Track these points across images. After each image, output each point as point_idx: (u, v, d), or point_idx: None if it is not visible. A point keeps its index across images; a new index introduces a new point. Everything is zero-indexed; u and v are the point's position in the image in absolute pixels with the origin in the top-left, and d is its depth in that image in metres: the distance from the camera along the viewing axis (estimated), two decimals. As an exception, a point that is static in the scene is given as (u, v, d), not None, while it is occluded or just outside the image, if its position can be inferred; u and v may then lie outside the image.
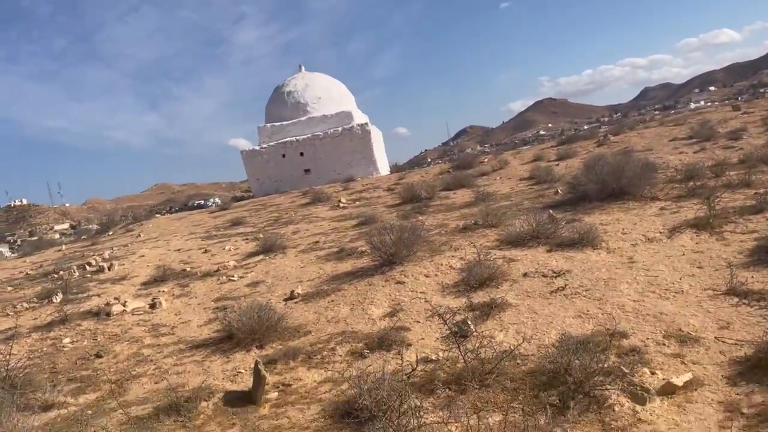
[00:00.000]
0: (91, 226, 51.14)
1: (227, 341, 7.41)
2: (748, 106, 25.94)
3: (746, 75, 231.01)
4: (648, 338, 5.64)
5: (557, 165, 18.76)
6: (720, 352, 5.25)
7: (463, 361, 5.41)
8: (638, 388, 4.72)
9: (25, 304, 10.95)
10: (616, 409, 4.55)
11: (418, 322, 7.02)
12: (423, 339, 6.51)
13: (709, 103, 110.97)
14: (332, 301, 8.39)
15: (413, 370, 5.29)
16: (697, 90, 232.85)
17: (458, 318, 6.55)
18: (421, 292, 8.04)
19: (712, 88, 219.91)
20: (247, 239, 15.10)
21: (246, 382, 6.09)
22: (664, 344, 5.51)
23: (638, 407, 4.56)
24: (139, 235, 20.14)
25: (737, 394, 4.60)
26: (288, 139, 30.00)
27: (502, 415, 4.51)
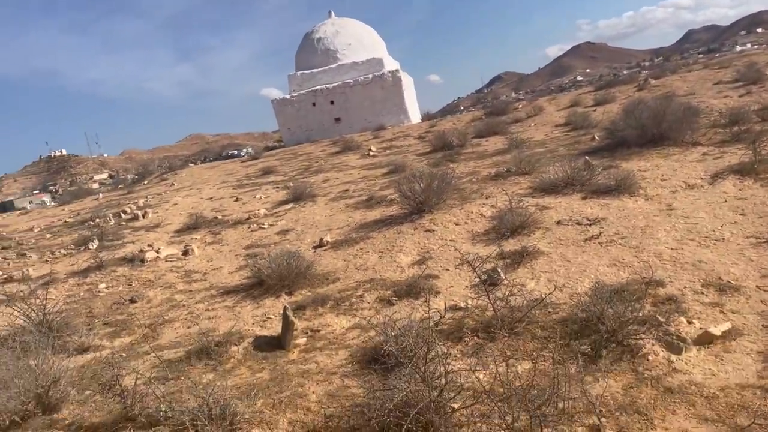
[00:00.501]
0: (127, 176, 52.11)
1: (257, 287, 7.46)
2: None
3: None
4: (686, 287, 5.45)
5: (594, 110, 18.16)
6: (761, 301, 5.04)
7: (492, 309, 5.32)
8: (674, 337, 4.57)
9: (62, 251, 11.21)
10: (650, 358, 4.42)
11: (447, 270, 6.94)
12: (452, 287, 6.43)
13: (756, 46, 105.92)
14: (361, 248, 8.35)
15: (441, 317, 5.22)
16: (743, 32, 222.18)
17: (488, 266, 6.43)
18: (450, 240, 7.92)
19: (759, 30, 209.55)
20: (277, 188, 15.11)
21: (275, 328, 6.13)
22: (702, 293, 5.31)
23: (674, 356, 4.42)
24: (173, 184, 20.38)
25: (779, 344, 4.42)
26: (318, 87, 29.68)
27: (532, 363, 4.43)
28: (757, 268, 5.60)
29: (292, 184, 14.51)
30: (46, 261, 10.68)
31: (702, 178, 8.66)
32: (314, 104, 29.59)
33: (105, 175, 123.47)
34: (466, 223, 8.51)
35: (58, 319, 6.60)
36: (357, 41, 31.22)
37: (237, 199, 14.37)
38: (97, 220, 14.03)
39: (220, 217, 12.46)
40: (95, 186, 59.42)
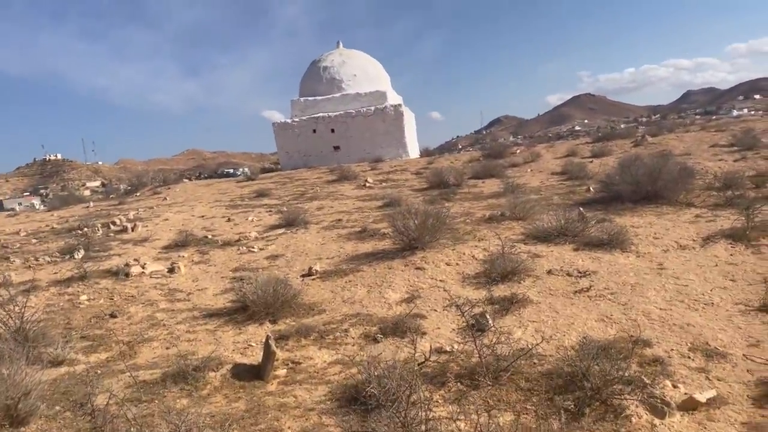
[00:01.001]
0: (120, 186, 51.89)
1: (241, 312, 7.36)
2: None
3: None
4: (673, 349, 5.41)
5: (591, 162, 18.33)
6: (747, 370, 5.00)
7: (478, 355, 5.25)
8: (658, 400, 4.51)
9: (47, 258, 11.06)
10: (633, 420, 4.35)
11: (435, 310, 6.87)
12: (439, 329, 6.36)
13: (752, 112, 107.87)
14: (350, 281, 8.28)
15: (426, 360, 5.15)
16: (741, 97, 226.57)
17: (476, 311, 6.37)
18: (440, 280, 7.88)
19: (757, 97, 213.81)
20: (270, 211, 15.06)
21: (256, 356, 6.02)
22: (689, 357, 5.28)
23: (657, 420, 4.36)
24: (166, 199, 20.29)
25: (762, 416, 4.37)
26: (320, 114, 29.87)
27: (515, 415, 4.35)
28: (745, 336, 5.58)
29: (285, 209, 14.47)
30: (30, 267, 10.52)
31: (694, 240, 8.70)
32: (315, 131, 29.74)
33: (98, 183, 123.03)
34: (457, 264, 8.48)
35: (35, 328, 6.46)
36: (362, 73, 31.55)
37: (229, 220, 14.29)
38: (85, 229, 13.89)
39: (210, 236, 12.37)
40: (87, 193, 59.14)
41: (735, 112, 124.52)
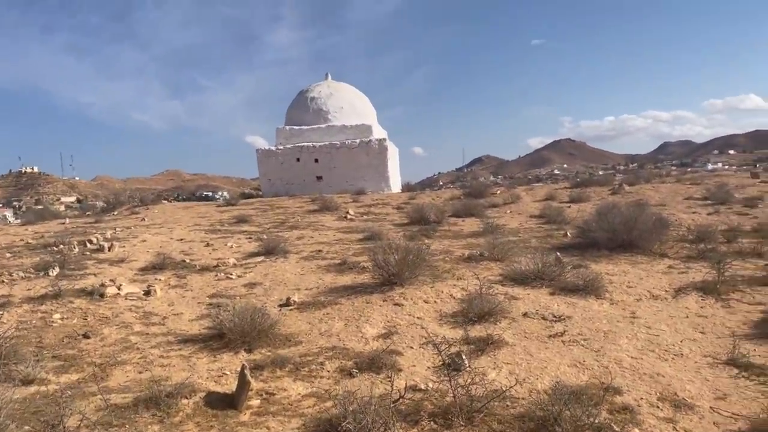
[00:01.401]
0: (97, 203, 51.30)
1: (217, 340, 7.32)
2: (767, 175, 25.80)
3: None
4: (642, 398, 5.52)
5: (569, 207, 18.66)
6: (714, 423, 5.11)
7: (452, 395, 5.30)
8: (627, 449, 4.59)
9: (21, 273, 10.90)
10: (603, 467, 4.42)
11: (412, 347, 6.92)
12: (414, 366, 6.40)
13: (726, 167, 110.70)
14: (327, 313, 8.30)
15: (401, 397, 5.18)
16: (716, 151, 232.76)
17: (453, 350, 6.43)
18: (418, 317, 7.94)
19: (731, 152, 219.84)
20: (250, 238, 15.05)
21: (230, 385, 5.99)
22: (657, 407, 5.38)
23: (625, 469, 4.43)
24: (144, 219, 20.14)
25: (728, 469, 4.47)
26: (305, 143, 30.06)
27: (486, 457, 4.39)
28: (712, 388, 5.71)
29: (265, 237, 14.47)
30: (2, 282, 10.36)
31: (666, 291, 8.90)
32: (298, 159, 29.88)
33: (73, 198, 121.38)
34: (435, 302, 8.55)
35: (6, 345, 6.37)
36: (349, 106, 31.93)
37: (208, 245, 14.24)
38: (62, 246, 13.73)
39: (188, 260, 12.31)
40: (61, 208, 58.28)
41: (710, 166, 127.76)
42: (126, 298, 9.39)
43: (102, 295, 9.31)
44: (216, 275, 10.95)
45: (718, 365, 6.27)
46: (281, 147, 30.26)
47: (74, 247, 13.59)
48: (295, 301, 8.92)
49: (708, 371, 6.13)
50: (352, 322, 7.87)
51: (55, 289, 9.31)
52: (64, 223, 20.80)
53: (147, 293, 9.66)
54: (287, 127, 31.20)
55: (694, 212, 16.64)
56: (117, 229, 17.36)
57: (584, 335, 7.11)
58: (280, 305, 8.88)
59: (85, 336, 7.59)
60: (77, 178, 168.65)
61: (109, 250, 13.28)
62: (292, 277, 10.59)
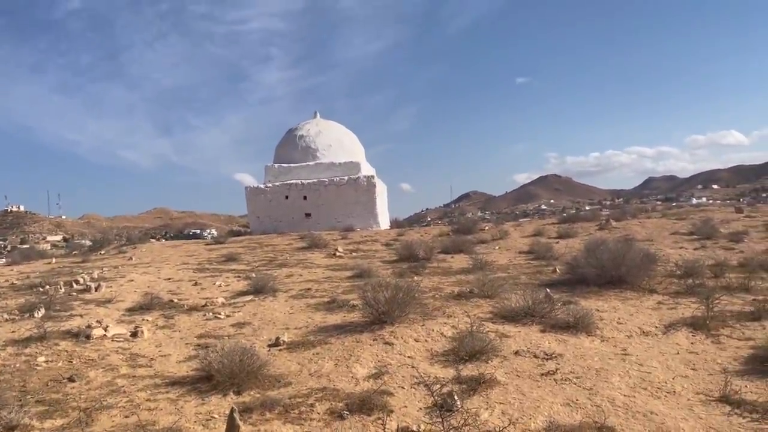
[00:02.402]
0: (83, 241, 50.87)
1: (205, 382, 7.20)
2: (750, 210, 26.17)
3: (750, 178, 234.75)
4: (636, 437, 5.47)
5: (557, 243, 18.76)
6: (709, 462, 5.08)
7: (445, 436, 5.22)
8: (623, 490, 4.53)
9: (5, 315, 10.73)
10: None
11: (403, 387, 6.84)
12: (406, 407, 6.32)
13: (710, 201, 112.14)
14: (317, 353, 8.22)
15: (393, 439, 5.11)
16: (700, 186, 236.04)
17: (444, 390, 6.37)
18: (409, 357, 7.87)
19: (715, 187, 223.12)
20: (239, 277, 14.95)
21: (219, 429, 5.88)
22: (652, 446, 5.34)
23: None
24: (131, 258, 19.98)
25: None
26: (293, 181, 30.16)
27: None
28: (705, 427, 5.68)
29: (254, 275, 14.38)
30: (-14, 323, 10.18)
31: (656, 327, 8.90)
32: (287, 197, 29.93)
33: (59, 237, 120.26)
34: (426, 340, 8.50)
35: (-11, 390, 6.23)
36: (338, 143, 32.18)
37: (196, 284, 14.12)
38: (47, 286, 13.56)
39: (176, 300, 12.18)
40: (48, 247, 57.69)
41: (694, 200, 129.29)
42: (113, 340, 9.25)
43: (88, 337, 9.17)
44: (204, 315, 10.83)
45: (710, 402, 6.25)
46: (270, 184, 30.33)
47: (60, 288, 13.43)
48: (284, 341, 8.83)
49: (701, 408, 6.10)
50: (342, 362, 7.79)
51: (40, 331, 9.15)
52: (50, 263, 20.57)
53: (134, 334, 9.52)
54: (276, 165, 31.33)
55: (681, 247, 16.78)
56: (104, 268, 17.19)
57: (576, 373, 7.07)
58: (270, 345, 8.78)
59: (71, 379, 7.44)
60: (64, 217, 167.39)
61: (95, 291, 13.13)
62: (282, 316, 10.50)
